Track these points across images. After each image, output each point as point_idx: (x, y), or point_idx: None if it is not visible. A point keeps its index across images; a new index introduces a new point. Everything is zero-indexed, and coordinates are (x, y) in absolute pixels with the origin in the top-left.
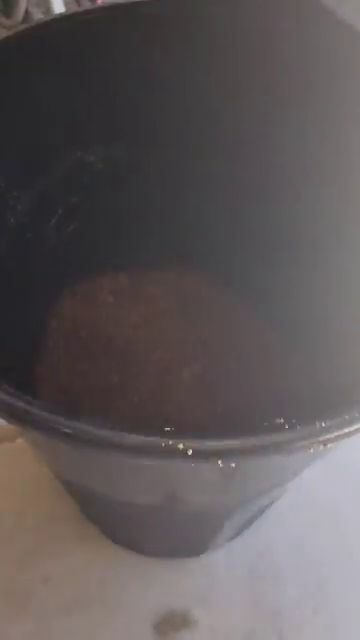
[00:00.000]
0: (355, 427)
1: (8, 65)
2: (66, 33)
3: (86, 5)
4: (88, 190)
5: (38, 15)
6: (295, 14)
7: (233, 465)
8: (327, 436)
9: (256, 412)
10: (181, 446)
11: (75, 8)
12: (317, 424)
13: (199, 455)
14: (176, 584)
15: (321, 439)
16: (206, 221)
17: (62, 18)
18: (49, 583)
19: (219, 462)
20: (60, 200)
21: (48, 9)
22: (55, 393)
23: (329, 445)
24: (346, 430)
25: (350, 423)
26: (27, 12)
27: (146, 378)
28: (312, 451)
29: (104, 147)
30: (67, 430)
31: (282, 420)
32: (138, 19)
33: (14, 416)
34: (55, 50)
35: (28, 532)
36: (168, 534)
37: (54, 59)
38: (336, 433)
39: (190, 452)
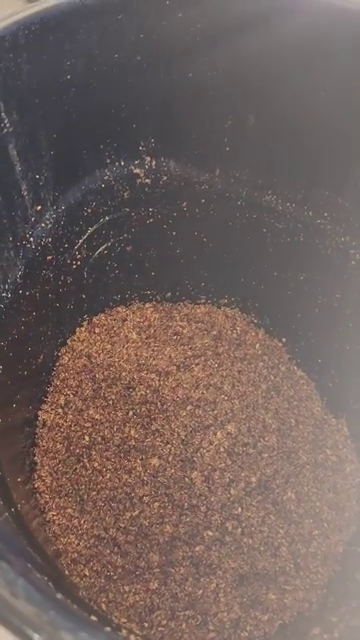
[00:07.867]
0: None
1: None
2: None
3: None
4: (126, 207)
5: None
6: None
7: None
8: None
9: (295, 484)
10: None
11: None
12: None
13: None
14: None
15: None
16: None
17: None
18: None
19: None
20: (92, 217)
21: None
22: (57, 444)
23: None
24: None
25: None
26: None
27: (170, 436)
28: None
29: (153, 158)
30: None
31: None
32: None
33: None
34: None
35: None
36: None
37: None
38: None
39: None
